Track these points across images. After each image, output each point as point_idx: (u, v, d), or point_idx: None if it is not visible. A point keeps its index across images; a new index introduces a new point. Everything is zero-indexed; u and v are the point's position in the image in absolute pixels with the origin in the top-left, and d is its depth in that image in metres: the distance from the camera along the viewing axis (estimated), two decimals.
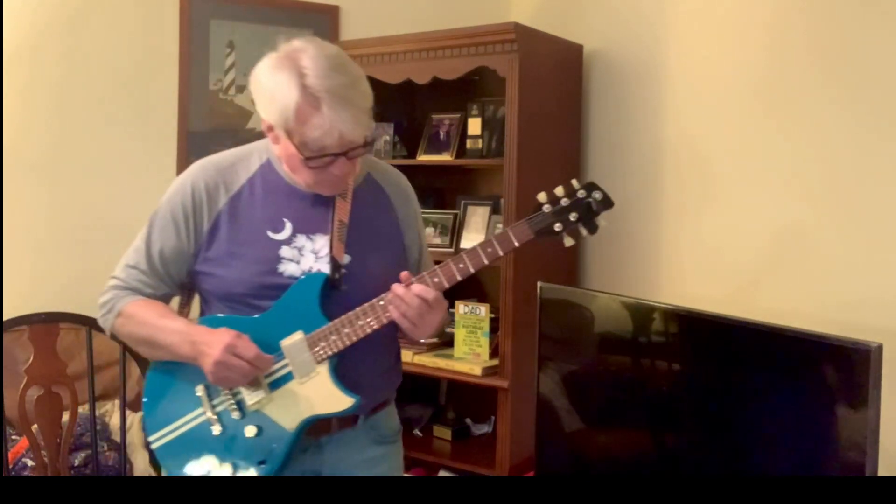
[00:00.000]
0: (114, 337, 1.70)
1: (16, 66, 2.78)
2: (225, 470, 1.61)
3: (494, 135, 2.94)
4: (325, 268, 1.62)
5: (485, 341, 2.80)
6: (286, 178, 1.64)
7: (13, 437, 2.42)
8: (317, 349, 1.59)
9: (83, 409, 2.23)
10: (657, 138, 2.76)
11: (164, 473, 1.68)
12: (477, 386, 2.82)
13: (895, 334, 1.85)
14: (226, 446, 1.62)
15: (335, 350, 1.59)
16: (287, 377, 1.61)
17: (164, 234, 1.63)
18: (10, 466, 2.29)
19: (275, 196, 1.64)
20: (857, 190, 2.18)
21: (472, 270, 1.59)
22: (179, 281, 1.69)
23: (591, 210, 1.59)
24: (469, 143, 3.00)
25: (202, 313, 1.72)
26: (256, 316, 1.61)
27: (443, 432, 3.07)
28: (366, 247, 1.66)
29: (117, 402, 2.51)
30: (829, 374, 1.64)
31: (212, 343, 1.53)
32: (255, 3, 3.10)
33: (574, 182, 1.61)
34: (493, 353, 2.81)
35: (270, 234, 1.62)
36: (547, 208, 1.60)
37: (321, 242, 1.63)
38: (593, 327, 2.22)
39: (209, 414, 1.63)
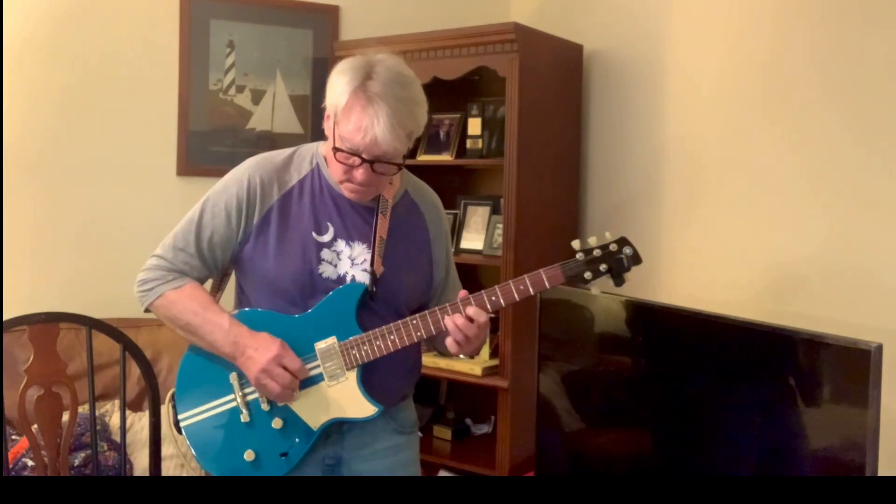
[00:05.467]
0: (147, 311, 1.76)
1: (16, 66, 2.78)
2: (248, 456, 1.68)
3: (494, 135, 2.94)
4: (360, 275, 1.70)
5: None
6: (333, 184, 1.71)
7: (13, 437, 2.42)
8: (349, 356, 1.67)
9: (83, 409, 2.22)
10: (657, 138, 2.76)
11: (192, 452, 1.75)
12: (477, 386, 2.82)
13: (895, 334, 1.85)
14: (252, 434, 1.69)
15: (366, 359, 1.67)
16: (317, 378, 1.68)
17: (216, 221, 1.70)
18: (10, 466, 2.29)
19: (322, 200, 1.72)
20: (857, 190, 2.18)
21: (503, 304, 1.66)
22: (222, 266, 1.77)
23: (621, 265, 1.67)
24: (469, 143, 3.00)
25: (238, 301, 1.80)
26: (294, 316, 1.69)
27: (443, 432, 3.08)
28: (398, 261, 1.74)
29: (117, 402, 2.51)
30: (829, 374, 1.64)
31: (259, 349, 1.62)
32: (255, 3, 3.10)
33: (607, 234, 1.70)
34: (493, 353, 2.81)
35: (314, 234, 1.70)
36: (580, 256, 1.67)
37: (358, 250, 1.71)
38: (593, 327, 2.22)
39: (239, 401, 1.70)
